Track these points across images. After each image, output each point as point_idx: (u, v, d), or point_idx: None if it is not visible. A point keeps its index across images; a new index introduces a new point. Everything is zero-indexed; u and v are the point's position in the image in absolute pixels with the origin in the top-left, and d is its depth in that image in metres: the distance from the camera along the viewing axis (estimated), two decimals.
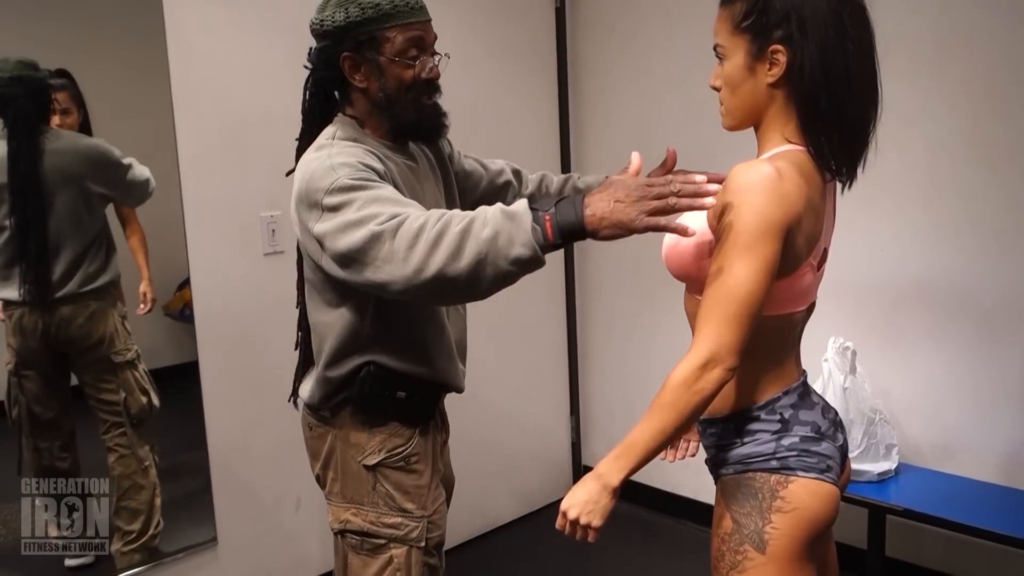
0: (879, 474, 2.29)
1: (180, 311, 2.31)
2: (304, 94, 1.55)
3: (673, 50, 2.86)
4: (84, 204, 2.13)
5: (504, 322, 3.00)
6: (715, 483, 1.34)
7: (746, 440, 1.27)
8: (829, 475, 1.25)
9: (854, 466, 2.26)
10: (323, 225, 1.33)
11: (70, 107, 2.10)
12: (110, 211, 2.19)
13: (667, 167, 1.59)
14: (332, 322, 1.49)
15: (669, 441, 1.17)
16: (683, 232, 1.19)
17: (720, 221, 1.17)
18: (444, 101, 1.54)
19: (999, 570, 2.37)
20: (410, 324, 1.51)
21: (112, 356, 2.19)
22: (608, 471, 1.18)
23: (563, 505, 1.20)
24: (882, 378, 2.47)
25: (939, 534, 2.38)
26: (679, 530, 3.03)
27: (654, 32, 2.92)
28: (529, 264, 1.24)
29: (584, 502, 1.18)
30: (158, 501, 2.28)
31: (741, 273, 1.13)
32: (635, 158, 1.38)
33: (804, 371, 1.36)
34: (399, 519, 1.52)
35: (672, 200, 1.17)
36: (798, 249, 1.19)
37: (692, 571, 2.73)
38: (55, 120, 2.08)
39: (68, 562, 2.18)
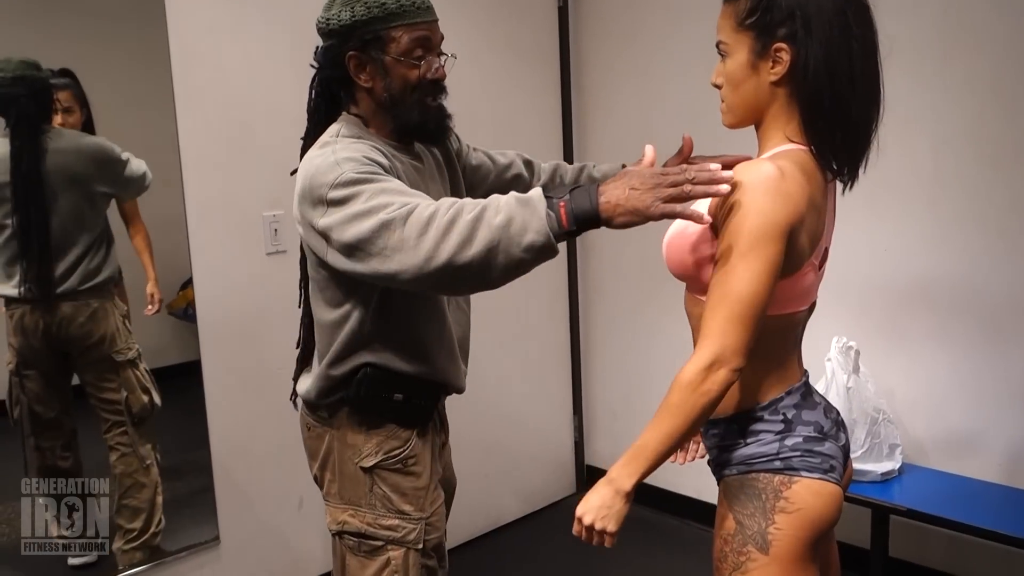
0: (882, 474, 2.29)
1: (184, 310, 2.31)
2: (310, 93, 1.54)
3: (675, 48, 2.86)
4: (87, 202, 2.14)
5: (506, 322, 3.00)
6: (718, 484, 1.34)
7: (749, 441, 1.27)
8: (832, 475, 1.25)
9: (857, 466, 2.25)
10: (329, 218, 1.32)
11: (73, 106, 2.10)
12: (112, 211, 2.19)
13: (684, 154, 1.57)
14: (335, 320, 1.48)
15: (679, 443, 1.17)
16: (699, 219, 1.17)
17: (723, 220, 1.17)
18: (447, 98, 1.52)
19: (1003, 571, 2.37)
20: (412, 322, 1.50)
21: (113, 355, 2.19)
22: (620, 476, 1.18)
23: (578, 511, 1.20)
24: (886, 378, 2.46)
25: (942, 534, 2.38)
26: (682, 530, 3.03)
27: (656, 30, 2.92)
28: (543, 251, 1.21)
29: (598, 507, 1.18)
30: (160, 500, 2.28)
31: (745, 274, 1.13)
32: (649, 151, 1.36)
33: (806, 371, 1.35)
34: (396, 521, 1.52)
35: (687, 187, 1.16)
36: (801, 249, 1.19)
37: (695, 571, 2.73)
38: (57, 119, 2.08)
39: (71, 561, 2.19)
